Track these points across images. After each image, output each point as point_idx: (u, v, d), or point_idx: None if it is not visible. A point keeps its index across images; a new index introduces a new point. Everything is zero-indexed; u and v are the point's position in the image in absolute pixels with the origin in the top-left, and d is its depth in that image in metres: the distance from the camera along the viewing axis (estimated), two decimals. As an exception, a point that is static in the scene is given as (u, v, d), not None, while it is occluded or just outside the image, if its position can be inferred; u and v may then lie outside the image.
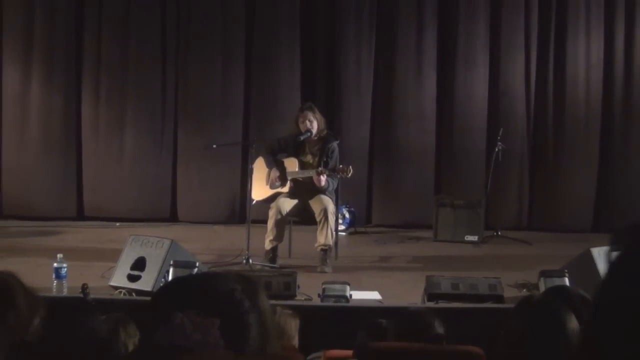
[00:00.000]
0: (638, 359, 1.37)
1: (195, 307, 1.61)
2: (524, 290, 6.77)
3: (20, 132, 10.32)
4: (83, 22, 10.32)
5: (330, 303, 6.35)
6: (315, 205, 7.81)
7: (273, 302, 4.88)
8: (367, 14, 10.42)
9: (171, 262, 6.67)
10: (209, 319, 1.58)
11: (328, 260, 7.74)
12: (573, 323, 2.74)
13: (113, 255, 7.15)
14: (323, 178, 7.71)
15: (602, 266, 6.08)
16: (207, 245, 8.47)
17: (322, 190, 7.84)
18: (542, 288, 6.13)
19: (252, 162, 8.12)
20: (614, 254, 1.56)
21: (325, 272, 7.49)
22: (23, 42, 10.27)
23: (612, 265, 1.56)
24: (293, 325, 4.33)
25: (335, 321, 5.78)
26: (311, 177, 7.83)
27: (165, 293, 1.80)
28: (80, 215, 10.31)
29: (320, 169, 7.76)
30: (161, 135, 10.43)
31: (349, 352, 4.04)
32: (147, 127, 10.42)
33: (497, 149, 9.60)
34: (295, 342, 4.27)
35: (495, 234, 9.64)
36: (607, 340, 1.45)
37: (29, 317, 2.80)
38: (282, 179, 7.93)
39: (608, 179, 10.45)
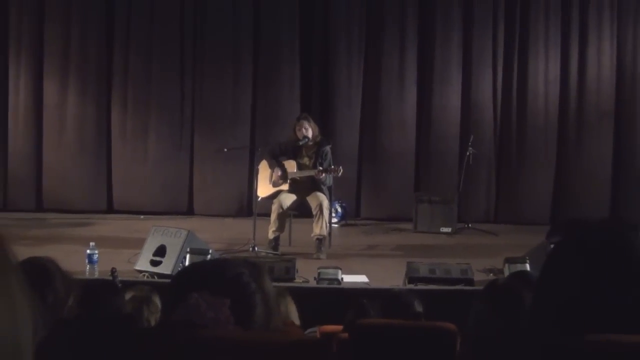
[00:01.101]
0: (566, 318, 1.55)
1: (209, 288, 1.61)
2: (491, 274, 6.78)
3: (59, 137, 10.30)
4: (113, 42, 10.31)
5: (324, 285, 6.38)
6: (311, 200, 7.81)
7: (275, 284, 4.89)
8: (356, 38, 10.41)
9: (188, 250, 6.69)
10: (220, 299, 1.58)
11: (322, 248, 7.74)
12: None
13: (138, 244, 7.17)
14: (322, 175, 7.75)
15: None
16: (219, 235, 8.47)
17: (318, 187, 7.85)
18: (506, 272, 6.15)
19: (258, 164, 8.16)
20: (551, 245, 1.64)
21: (320, 259, 7.49)
22: (61, 59, 10.25)
23: (549, 254, 1.64)
24: (293, 304, 4.33)
25: (329, 301, 5.79)
26: (308, 177, 7.85)
27: (183, 276, 1.81)
28: (110, 208, 10.30)
29: (319, 169, 7.77)
30: (180, 140, 10.42)
31: (340, 327, 4.04)
32: (168, 132, 10.41)
33: (468, 153, 9.61)
34: (295, 318, 4.27)
35: (466, 226, 9.64)
36: (544, 304, 1.64)
37: (65, 296, 2.80)
38: (283, 178, 7.94)
39: (563, 179, 10.46)
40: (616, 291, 1.59)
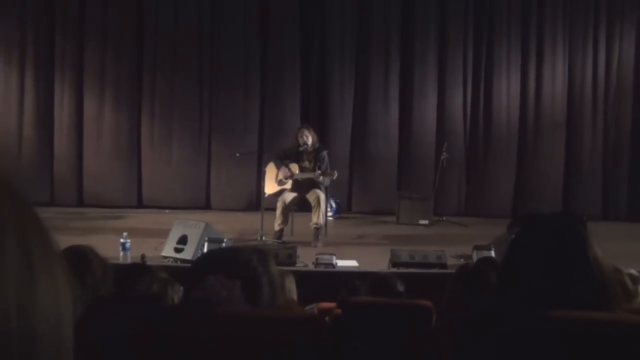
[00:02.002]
0: (526, 295, 1.58)
1: (223, 272, 1.61)
2: (462, 260, 6.75)
3: (97, 143, 10.29)
4: (142, 64, 10.31)
5: (321, 269, 6.37)
6: (310, 196, 7.80)
7: (279, 268, 4.88)
8: (347, 61, 10.41)
9: (206, 239, 6.68)
10: (232, 280, 1.58)
11: (319, 237, 7.73)
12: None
13: (163, 234, 7.16)
14: (320, 177, 7.76)
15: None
16: (232, 226, 8.46)
17: (316, 186, 7.83)
18: (475, 258, 6.14)
19: (265, 166, 8.16)
20: (512, 235, 1.65)
21: (317, 247, 7.48)
22: (98, 79, 10.24)
23: (509, 245, 1.65)
24: (294, 285, 4.32)
25: (325, 282, 5.77)
26: (308, 178, 7.85)
27: (201, 262, 1.81)
28: (140, 204, 10.28)
29: (318, 172, 7.77)
30: (198, 146, 10.41)
31: (334, 304, 4.04)
32: (188, 140, 10.39)
33: (442, 157, 9.60)
34: (295, 297, 4.26)
35: (441, 219, 9.62)
36: (506, 286, 1.66)
37: (102, 279, 2.80)
38: (290, 176, 7.93)
39: (522, 179, 10.47)
40: (566, 273, 1.60)
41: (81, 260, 2.76)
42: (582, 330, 1.52)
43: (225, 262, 1.66)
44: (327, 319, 3.71)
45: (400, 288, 4.10)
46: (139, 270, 3.53)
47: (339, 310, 3.73)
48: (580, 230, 1.63)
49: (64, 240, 2.57)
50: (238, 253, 1.71)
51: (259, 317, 1.51)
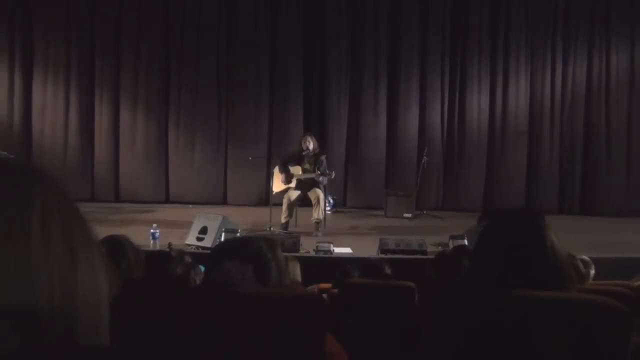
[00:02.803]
0: (492, 277, 1.57)
1: (237, 258, 1.61)
2: (439, 247, 6.77)
3: (130, 148, 10.28)
4: (169, 80, 10.30)
5: (320, 255, 6.38)
6: (311, 194, 7.79)
7: (285, 254, 4.87)
8: (343, 78, 10.39)
9: (223, 229, 6.69)
10: (245, 265, 1.58)
11: (319, 229, 7.73)
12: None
13: (187, 225, 7.16)
14: (320, 177, 7.75)
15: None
16: (245, 219, 8.46)
17: (317, 185, 7.82)
18: (451, 246, 6.16)
19: (273, 168, 8.15)
20: (480, 227, 1.65)
21: (317, 236, 7.48)
22: (132, 93, 10.23)
23: (479, 235, 1.65)
24: (297, 268, 4.33)
25: (324, 266, 5.78)
26: (309, 178, 7.84)
27: (219, 249, 1.81)
28: (167, 200, 10.25)
29: (317, 173, 7.76)
30: (217, 150, 10.38)
31: (331, 285, 4.04)
32: (208, 144, 10.36)
33: (423, 161, 9.59)
34: (299, 278, 4.27)
35: (422, 212, 9.61)
36: (476, 270, 1.66)
37: (135, 263, 2.80)
38: (289, 179, 7.94)
39: (490, 179, 10.45)
40: (527, 258, 1.60)
41: (117, 247, 2.76)
42: (540, 307, 1.52)
43: (239, 250, 1.66)
44: (325, 296, 3.71)
45: (388, 271, 4.10)
46: (166, 256, 3.52)
47: (336, 290, 3.73)
48: (538, 222, 1.63)
49: (103, 231, 2.58)
50: (250, 242, 1.71)
51: (268, 296, 1.51)
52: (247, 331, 1.30)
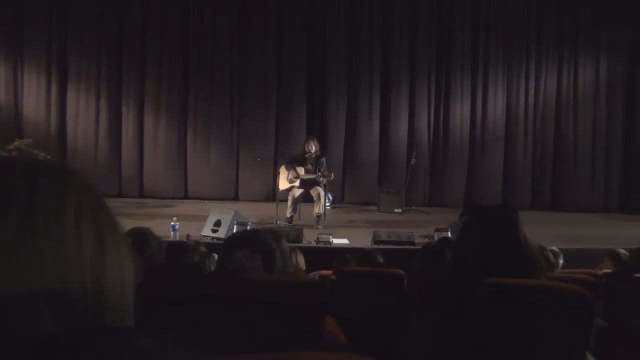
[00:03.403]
0: (472, 267, 1.55)
1: (247, 248, 1.61)
2: (426, 239, 6.78)
3: (154, 150, 10.26)
4: (188, 90, 10.30)
5: (321, 245, 6.37)
6: (313, 192, 7.79)
7: (290, 244, 4.86)
8: (341, 89, 10.38)
9: (235, 222, 6.68)
10: (254, 254, 1.58)
11: (320, 222, 7.72)
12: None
13: (203, 218, 7.14)
14: (320, 178, 7.74)
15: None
16: (254, 213, 8.46)
17: (318, 184, 7.81)
18: (436, 238, 6.16)
19: (279, 168, 8.15)
20: (461, 222, 1.64)
21: (318, 229, 7.47)
22: (155, 100, 10.22)
23: (460, 229, 1.65)
24: (302, 258, 4.33)
25: (324, 255, 5.78)
26: (311, 178, 7.83)
27: (230, 240, 1.81)
28: (186, 196, 10.24)
29: (318, 174, 7.75)
30: (230, 152, 10.35)
31: (330, 272, 4.04)
32: (222, 147, 10.33)
33: (412, 162, 9.60)
34: (303, 267, 4.27)
35: (411, 208, 9.61)
36: (458, 259, 1.65)
37: (157, 252, 2.80)
38: (296, 177, 7.93)
39: (471, 179, 10.44)
40: (502, 249, 1.60)
41: (141, 238, 2.76)
42: (513, 293, 1.52)
43: (248, 241, 1.66)
44: (325, 283, 3.71)
45: (381, 260, 4.11)
46: (185, 246, 3.53)
47: (335, 277, 3.74)
48: (513, 217, 1.63)
49: (129, 223, 2.58)
50: (258, 234, 1.71)
51: (274, 282, 1.51)
52: (254, 313, 1.30)
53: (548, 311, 1.48)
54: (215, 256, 3.46)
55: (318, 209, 7.71)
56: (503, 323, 1.50)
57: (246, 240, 1.66)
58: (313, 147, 7.89)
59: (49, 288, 0.58)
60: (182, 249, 3.37)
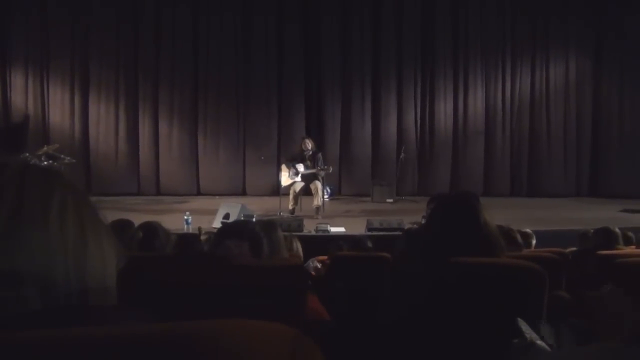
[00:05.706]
0: (439, 248, 1.54)
1: (236, 237, 1.63)
2: (414, 225, 6.67)
3: (168, 152, 10.27)
4: (198, 96, 10.30)
5: (320, 234, 6.36)
6: (312, 185, 7.76)
7: (293, 233, 4.85)
8: (337, 91, 10.38)
9: (242, 215, 6.67)
10: (242, 242, 1.60)
11: (319, 213, 7.71)
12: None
13: (214, 212, 7.13)
14: (320, 172, 7.73)
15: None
16: (260, 206, 8.45)
17: (317, 178, 7.80)
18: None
19: (281, 165, 8.15)
20: (429, 209, 1.64)
21: (317, 219, 7.46)
22: (169, 107, 10.22)
23: (428, 215, 1.66)
24: (299, 245, 4.33)
25: (322, 242, 5.77)
26: (311, 172, 7.81)
27: (222, 230, 1.83)
28: (198, 192, 10.26)
29: (317, 168, 7.73)
30: (237, 151, 10.36)
31: (326, 257, 4.05)
32: (230, 147, 10.33)
33: (401, 156, 9.57)
34: (301, 253, 4.27)
35: (401, 198, 9.59)
36: (425, 241, 1.65)
37: (166, 243, 2.81)
38: (296, 174, 7.93)
39: (455, 170, 10.44)
40: (465, 232, 1.61)
41: (151, 231, 2.76)
42: (475, 270, 1.54)
43: (237, 231, 1.68)
44: (321, 267, 3.73)
45: (369, 245, 4.11)
46: (195, 238, 3.54)
47: (330, 261, 3.75)
48: (474, 203, 1.64)
49: (146, 218, 2.59)
50: (246, 224, 1.73)
51: (259, 266, 1.53)
52: (238, 293, 1.32)
53: (505, 285, 1.51)
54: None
55: (317, 201, 7.71)
56: (466, 298, 1.52)
57: (235, 230, 1.68)
58: (309, 145, 7.89)
59: (37, 272, 0.60)
60: (192, 240, 3.38)
